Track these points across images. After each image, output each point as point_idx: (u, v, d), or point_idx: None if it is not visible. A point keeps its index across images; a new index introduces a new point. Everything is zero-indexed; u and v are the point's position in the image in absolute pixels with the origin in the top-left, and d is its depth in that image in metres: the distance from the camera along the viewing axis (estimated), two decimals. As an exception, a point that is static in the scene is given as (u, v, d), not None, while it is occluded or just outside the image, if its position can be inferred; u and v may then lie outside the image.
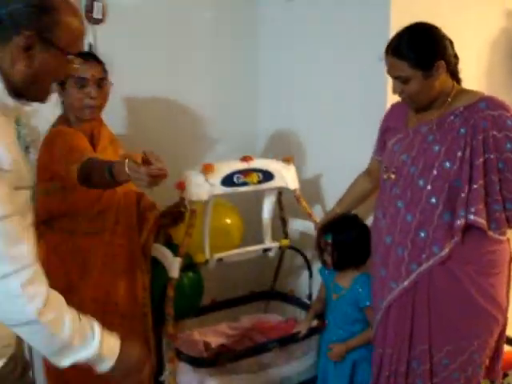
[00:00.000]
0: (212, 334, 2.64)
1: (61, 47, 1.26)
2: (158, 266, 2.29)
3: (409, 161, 1.95)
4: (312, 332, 2.47)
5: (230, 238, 2.51)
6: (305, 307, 2.70)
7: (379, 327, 2.07)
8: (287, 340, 2.45)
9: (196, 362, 2.26)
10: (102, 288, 2.13)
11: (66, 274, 2.08)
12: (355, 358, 2.28)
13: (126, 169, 1.60)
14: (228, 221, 2.52)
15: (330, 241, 2.26)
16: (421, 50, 1.86)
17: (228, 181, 2.31)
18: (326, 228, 2.31)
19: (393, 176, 2.00)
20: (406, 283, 1.94)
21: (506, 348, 2.68)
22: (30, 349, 1.80)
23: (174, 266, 2.20)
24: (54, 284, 1.25)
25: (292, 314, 2.81)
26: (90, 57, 2.11)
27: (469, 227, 1.86)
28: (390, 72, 1.93)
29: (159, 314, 2.27)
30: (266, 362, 2.40)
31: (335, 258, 2.26)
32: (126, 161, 1.62)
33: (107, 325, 1.33)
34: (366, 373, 2.23)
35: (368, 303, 2.21)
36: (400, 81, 1.90)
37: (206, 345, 2.51)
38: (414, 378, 1.99)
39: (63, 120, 2.15)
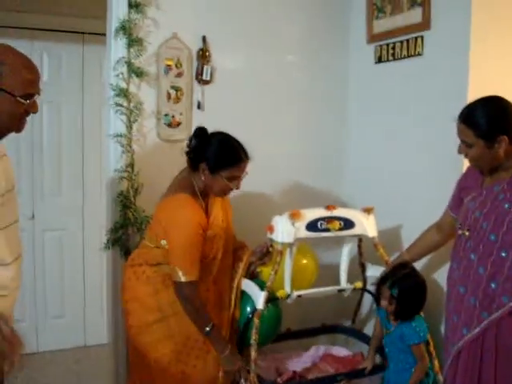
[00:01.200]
0: (285, 360, 2.83)
1: (10, 92, 1.64)
2: (242, 298, 2.57)
3: (481, 217, 2.07)
4: (376, 370, 2.63)
5: (305, 276, 2.70)
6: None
7: (449, 370, 2.16)
8: (354, 374, 2.60)
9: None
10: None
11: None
12: None
13: None
14: (304, 261, 2.71)
15: (395, 295, 2.42)
16: (486, 122, 2.02)
17: (312, 226, 2.52)
18: (392, 279, 2.46)
19: (467, 233, 2.13)
20: (476, 330, 2.05)
21: None
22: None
23: (260, 299, 2.44)
24: None
25: (359, 348, 2.94)
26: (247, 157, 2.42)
27: None
28: (458, 135, 2.10)
29: (242, 341, 2.53)
30: None
31: (396, 310, 2.45)
32: None
33: None
34: None
35: (412, 342, 2.41)
36: (465, 145, 2.08)
37: (278, 371, 2.69)
38: None
39: (189, 186, 2.39)
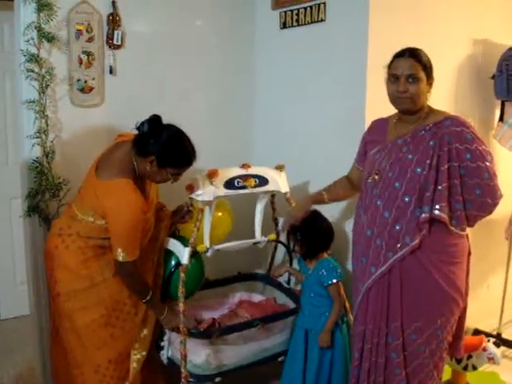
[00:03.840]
0: (203, 309, 2.99)
1: None
2: (164, 254, 2.68)
3: (387, 167, 2.26)
4: (289, 313, 2.86)
5: (221, 228, 2.83)
6: (283, 290, 3.06)
7: (361, 306, 2.36)
8: (270, 318, 2.81)
9: (195, 335, 2.59)
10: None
11: None
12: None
13: None
14: (220, 214, 2.82)
15: (298, 237, 2.69)
16: (429, 61, 2.24)
17: (230, 184, 2.65)
18: (294, 229, 2.70)
19: (376, 177, 2.30)
20: (383, 268, 2.25)
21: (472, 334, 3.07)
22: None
23: (185, 254, 2.56)
24: None
25: (271, 294, 3.16)
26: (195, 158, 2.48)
27: (434, 222, 2.17)
28: (403, 71, 2.20)
29: (163, 293, 2.67)
30: (249, 336, 2.75)
31: (304, 250, 2.70)
32: None
33: None
34: (338, 339, 2.65)
35: (330, 281, 2.61)
36: (409, 80, 2.19)
37: (197, 319, 2.84)
38: (389, 351, 2.29)
39: (130, 170, 2.41)
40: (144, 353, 2.57)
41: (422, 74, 2.21)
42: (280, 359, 2.82)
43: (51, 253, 2.47)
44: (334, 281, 2.63)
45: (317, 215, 2.71)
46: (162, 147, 2.36)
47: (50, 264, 2.49)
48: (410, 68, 2.20)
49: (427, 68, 2.23)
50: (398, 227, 2.22)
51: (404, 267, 2.23)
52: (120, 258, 2.35)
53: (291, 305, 2.95)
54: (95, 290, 2.42)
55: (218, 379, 2.63)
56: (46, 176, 2.79)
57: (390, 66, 2.28)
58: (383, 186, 2.28)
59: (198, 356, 2.59)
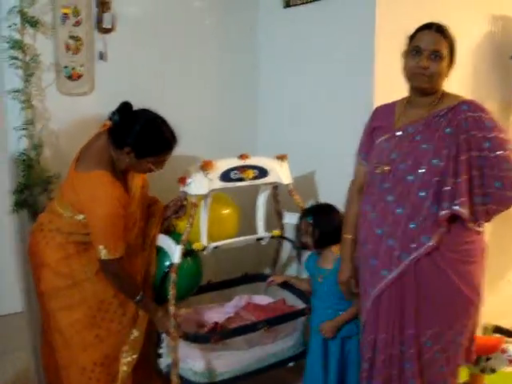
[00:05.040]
0: (207, 312, 2.84)
1: None
2: (159, 253, 2.52)
3: (398, 158, 2.08)
4: (297, 314, 2.68)
5: (226, 227, 2.68)
6: (293, 290, 2.86)
7: (370, 314, 2.17)
8: (275, 320, 2.64)
9: (191, 339, 2.46)
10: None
11: None
12: (344, 335, 2.45)
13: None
14: (225, 211, 2.68)
15: (310, 221, 2.47)
16: (454, 40, 2.07)
17: (226, 176, 2.49)
18: (306, 212, 2.53)
19: (386, 168, 2.10)
20: (396, 271, 2.06)
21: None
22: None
23: (176, 253, 2.40)
24: None
25: (281, 296, 2.97)
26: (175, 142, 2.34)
27: (453, 219, 2.00)
28: (427, 45, 2.02)
29: (159, 295, 2.50)
30: (254, 340, 2.60)
31: (316, 236, 2.45)
32: None
33: None
34: (355, 347, 2.41)
35: None
36: (432, 56, 2.01)
37: (199, 323, 2.70)
38: (403, 361, 2.12)
39: (108, 162, 2.28)
40: (135, 356, 2.44)
41: (446, 53, 2.03)
42: (290, 365, 2.67)
43: (33, 250, 2.39)
44: None
45: (332, 206, 2.54)
46: (136, 138, 2.24)
47: (32, 261, 2.42)
48: (436, 43, 2.03)
49: (452, 48, 2.06)
50: (412, 225, 2.04)
51: (418, 269, 2.06)
52: (102, 256, 2.24)
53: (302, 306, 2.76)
54: (78, 288, 2.32)
55: (221, 388, 2.50)
56: (35, 169, 2.66)
57: (411, 38, 2.09)
58: (394, 179, 2.09)
59: (198, 362, 2.47)
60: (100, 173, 2.22)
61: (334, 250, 2.46)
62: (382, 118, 2.25)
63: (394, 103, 2.24)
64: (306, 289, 2.68)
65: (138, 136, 2.24)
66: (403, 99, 2.20)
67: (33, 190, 2.68)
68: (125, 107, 2.26)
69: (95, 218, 2.23)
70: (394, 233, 2.07)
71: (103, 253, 2.23)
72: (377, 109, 2.33)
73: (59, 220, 2.33)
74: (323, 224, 2.47)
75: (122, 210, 2.25)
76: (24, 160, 2.64)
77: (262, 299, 3.00)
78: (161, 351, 2.59)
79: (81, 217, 2.27)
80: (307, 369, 2.56)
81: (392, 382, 2.16)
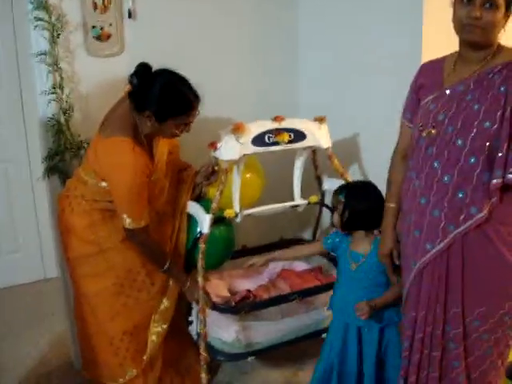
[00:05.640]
0: (240, 277, 2.76)
1: None
2: (190, 220, 2.43)
3: (446, 120, 1.89)
4: (331, 286, 2.45)
5: (248, 191, 2.52)
6: (329, 258, 2.74)
7: (411, 288, 2.03)
8: (307, 292, 2.54)
9: (220, 310, 2.40)
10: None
11: None
12: (383, 323, 2.24)
13: None
14: (247, 175, 2.52)
15: (342, 199, 2.21)
16: None
17: (259, 140, 2.35)
18: (342, 187, 2.30)
19: (433, 131, 1.92)
20: (442, 245, 1.91)
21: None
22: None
23: (205, 222, 2.31)
24: None
25: (318, 262, 2.85)
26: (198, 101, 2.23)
27: (505, 188, 1.82)
28: None
29: (190, 263, 2.43)
30: (287, 310, 2.51)
31: (344, 217, 2.20)
32: None
33: None
34: (393, 336, 2.25)
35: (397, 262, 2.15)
36: (486, 5, 1.78)
37: (231, 290, 2.62)
38: (447, 341, 1.97)
39: (131, 127, 2.20)
40: (165, 326, 2.41)
41: (502, 1, 1.78)
42: (323, 336, 2.51)
43: (59, 216, 2.36)
44: None
45: (372, 187, 2.28)
46: (154, 100, 2.13)
47: (59, 227, 2.39)
48: None
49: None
50: (461, 195, 1.86)
51: (466, 243, 1.88)
52: (127, 225, 2.18)
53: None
54: (104, 256, 2.29)
55: (250, 358, 2.43)
56: (65, 134, 2.59)
57: None
58: (441, 143, 1.89)
59: (228, 333, 2.41)
60: (121, 139, 2.14)
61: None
62: (429, 75, 2.04)
63: (442, 59, 2.02)
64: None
65: (156, 98, 2.14)
66: (453, 54, 1.98)
67: (64, 155, 2.62)
68: (143, 69, 2.16)
69: (117, 186, 2.16)
70: (440, 203, 1.90)
71: (127, 222, 2.17)
72: (423, 65, 2.12)
73: (84, 187, 2.27)
74: (355, 205, 2.20)
75: (144, 179, 2.17)
76: (54, 125, 2.58)
77: (299, 265, 2.89)
78: (191, 319, 2.55)
79: (104, 184, 2.22)
80: (323, 355, 2.34)
81: (432, 365, 2.00)
